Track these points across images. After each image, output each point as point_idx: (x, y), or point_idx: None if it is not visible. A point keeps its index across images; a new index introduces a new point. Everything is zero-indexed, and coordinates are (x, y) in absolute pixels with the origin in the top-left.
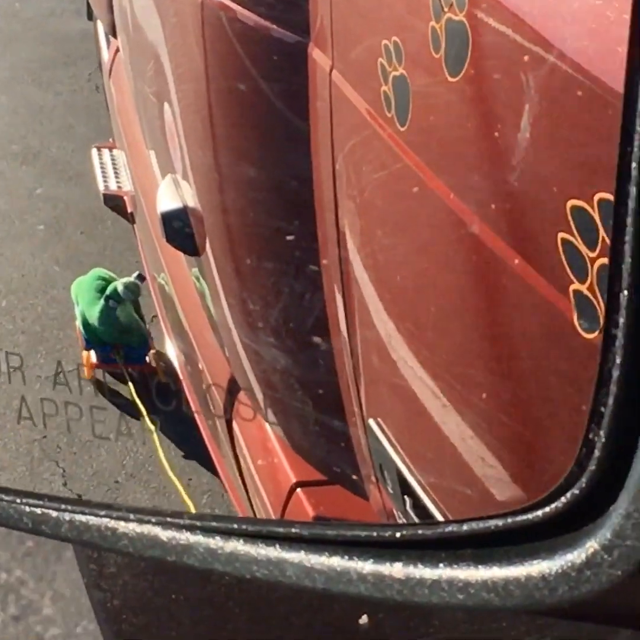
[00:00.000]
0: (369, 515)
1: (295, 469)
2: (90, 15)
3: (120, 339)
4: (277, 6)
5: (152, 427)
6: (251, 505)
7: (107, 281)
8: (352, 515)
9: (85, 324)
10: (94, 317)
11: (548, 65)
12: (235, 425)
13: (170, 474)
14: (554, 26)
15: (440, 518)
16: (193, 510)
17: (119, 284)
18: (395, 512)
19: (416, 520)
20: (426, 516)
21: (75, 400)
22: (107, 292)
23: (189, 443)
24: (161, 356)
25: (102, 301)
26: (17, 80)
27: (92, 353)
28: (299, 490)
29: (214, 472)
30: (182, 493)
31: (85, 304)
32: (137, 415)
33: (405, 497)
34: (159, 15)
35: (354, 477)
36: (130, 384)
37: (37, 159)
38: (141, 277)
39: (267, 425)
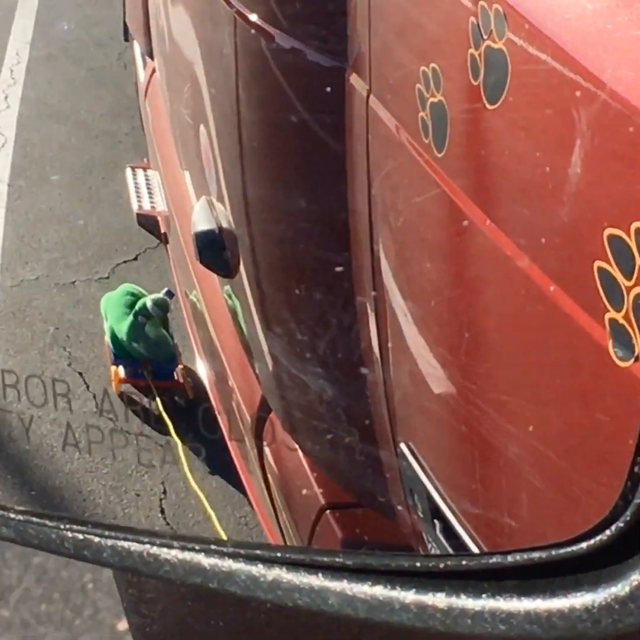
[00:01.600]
0: (397, 538)
1: (324, 492)
2: (126, 36)
3: (149, 355)
4: (315, 31)
5: (178, 441)
6: (280, 526)
7: (137, 297)
8: (380, 539)
9: (114, 338)
10: (122, 332)
11: (595, 99)
12: (266, 447)
13: (195, 487)
14: (595, 56)
15: (471, 544)
16: (217, 526)
17: (148, 300)
18: (424, 535)
19: (446, 544)
20: (456, 542)
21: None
22: (136, 307)
23: (217, 461)
24: (189, 372)
25: (131, 317)
26: (54, 56)
27: (121, 368)
28: (327, 512)
29: (243, 492)
30: (207, 507)
31: (114, 319)
32: (163, 431)
33: (435, 521)
34: (196, 37)
35: (383, 500)
36: (157, 399)
37: (68, 120)
38: (170, 294)
39: (297, 448)
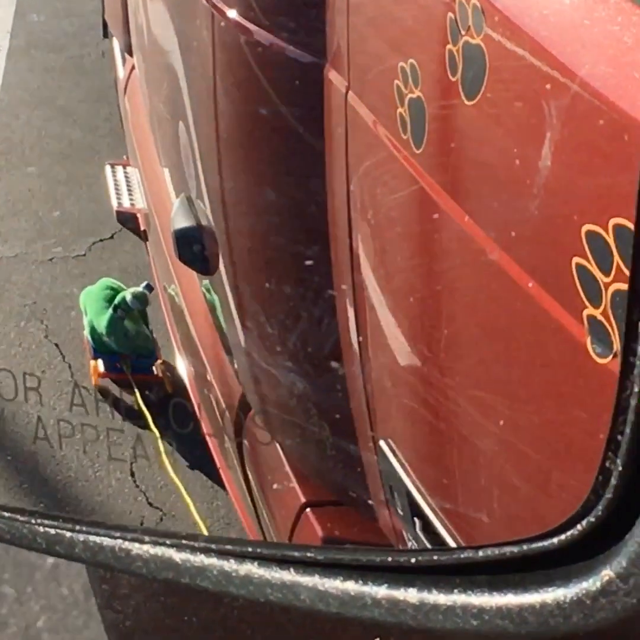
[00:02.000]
0: (378, 536)
1: (305, 490)
2: (106, 33)
3: (128, 349)
4: (294, 27)
5: (157, 434)
6: (260, 525)
7: (116, 291)
8: (361, 536)
9: (93, 333)
10: (101, 326)
11: (571, 93)
12: (244, 445)
13: (174, 476)
14: (573, 51)
15: (450, 541)
16: (193, 509)
17: (128, 294)
18: (404, 534)
19: (426, 542)
20: (436, 539)
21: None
22: (116, 301)
23: (196, 456)
24: (168, 366)
25: (110, 310)
26: (34, 46)
27: (100, 362)
28: (308, 510)
29: (222, 487)
30: (184, 494)
31: (93, 313)
32: (142, 425)
33: (415, 519)
34: (175, 34)
35: (364, 498)
36: (136, 392)
37: (47, 106)
38: (149, 287)
39: (276, 445)
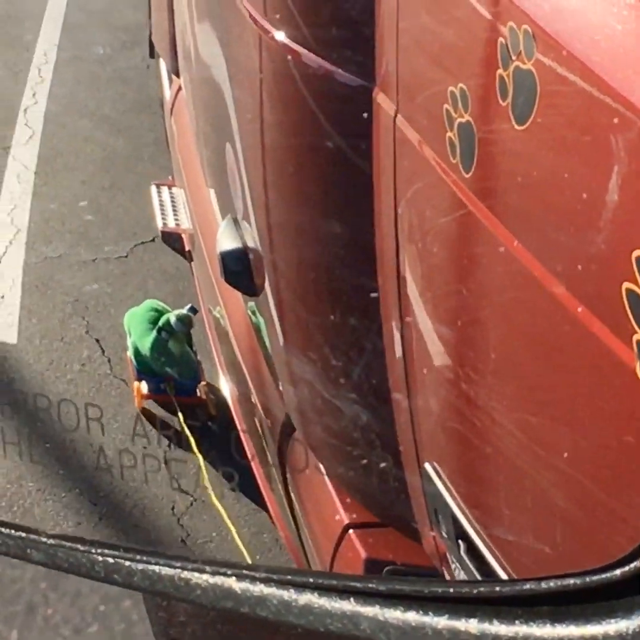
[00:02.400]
0: (421, 558)
1: (347, 511)
2: (152, 53)
3: (172, 371)
4: (343, 50)
5: (200, 457)
6: (302, 546)
7: (160, 313)
8: (404, 558)
9: (137, 354)
10: (146, 348)
11: (637, 127)
12: (288, 466)
13: (217, 503)
14: (624, 77)
15: (495, 564)
16: (239, 542)
17: (172, 316)
18: (448, 556)
19: (471, 565)
20: (480, 562)
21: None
22: (160, 323)
23: (240, 479)
24: (211, 389)
25: (154, 332)
26: (81, 59)
27: (143, 384)
28: (350, 531)
29: (265, 509)
30: (226, 520)
31: (137, 335)
32: (185, 446)
33: (460, 541)
34: (223, 55)
35: (408, 520)
36: (180, 415)
37: (93, 115)
38: (194, 310)
39: (320, 467)
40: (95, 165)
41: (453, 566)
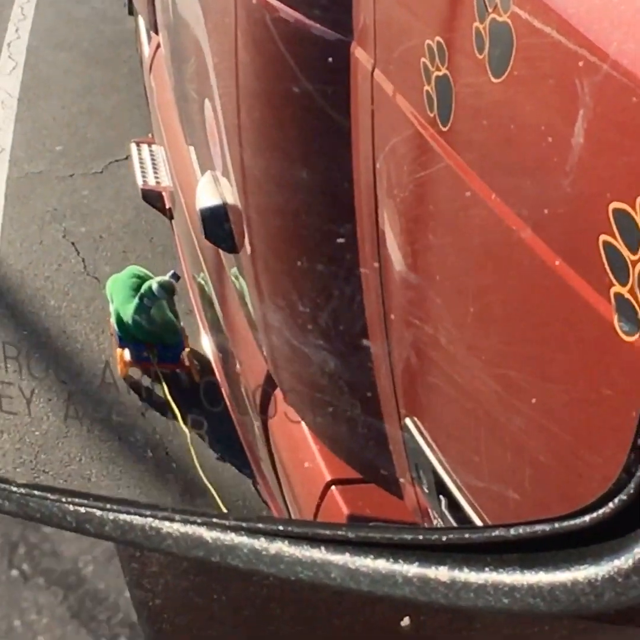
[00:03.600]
0: (403, 513)
1: (330, 467)
2: (131, 11)
3: (155, 338)
4: (320, 4)
5: (185, 427)
6: (285, 503)
7: (142, 279)
8: (386, 514)
9: (120, 322)
10: (128, 315)
11: (603, 71)
12: (271, 423)
13: (201, 474)
14: (600, 28)
15: (477, 519)
16: (221, 505)
17: (154, 283)
18: (430, 511)
19: (452, 520)
20: (462, 516)
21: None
22: (142, 290)
23: (225, 441)
24: (196, 355)
25: (136, 299)
26: None
27: (126, 351)
28: (333, 488)
29: (248, 468)
30: (212, 491)
31: (119, 302)
32: (168, 414)
33: (441, 497)
34: (202, 11)
35: (389, 475)
36: (163, 382)
37: (72, 49)
38: (176, 276)
39: (302, 424)
40: (74, 93)
41: (435, 521)
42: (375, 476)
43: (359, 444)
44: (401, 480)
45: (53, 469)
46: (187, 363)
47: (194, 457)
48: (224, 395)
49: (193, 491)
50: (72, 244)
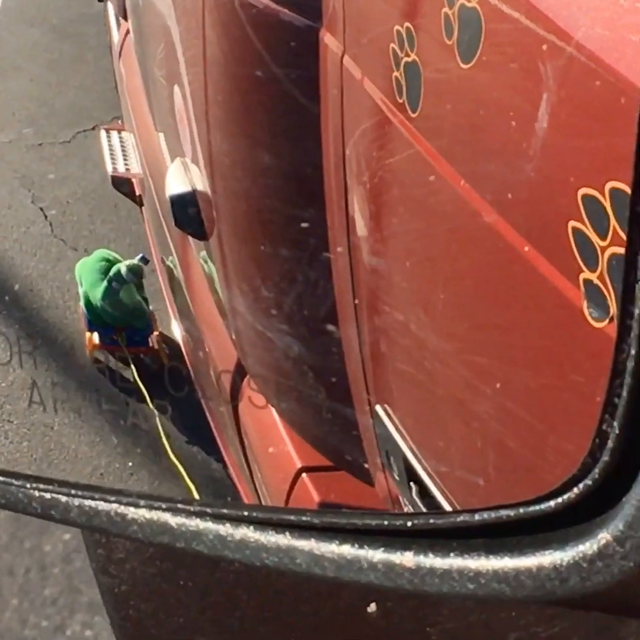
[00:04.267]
0: (374, 501)
1: (301, 454)
2: None
3: (123, 321)
4: None
5: (155, 411)
6: (256, 490)
7: (111, 262)
8: (357, 502)
9: (88, 305)
10: (97, 298)
11: (566, 54)
12: (241, 409)
13: (173, 457)
14: (569, 14)
15: (447, 506)
16: (195, 494)
17: (123, 266)
18: (401, 498)
19: (422, 507)
20: (433, 504)
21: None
22: (111, 273)
23: (194, 427)
24: (164, 338)
25: (105, 283)
26: None
27: (95, 334)
28: (304, 475)
29: (218, 455)
30: (185, 476)
31: (88, 285)
32: (139, 398)
33: (412, 484)
34: None
35: (360, 463)
36: (132, 366)
37: (42, 25)
38: (145, 260)
39: (272, 410)
40: (43, 67)
41: (406, 509)
42: (345, 463)
43: (329, 431)
44: (372, 467)
45: (17, 419)
46: (156, 346)
47: (165, 441)
48: (193, 379)
49: (161, 475)
50: (40, 208)
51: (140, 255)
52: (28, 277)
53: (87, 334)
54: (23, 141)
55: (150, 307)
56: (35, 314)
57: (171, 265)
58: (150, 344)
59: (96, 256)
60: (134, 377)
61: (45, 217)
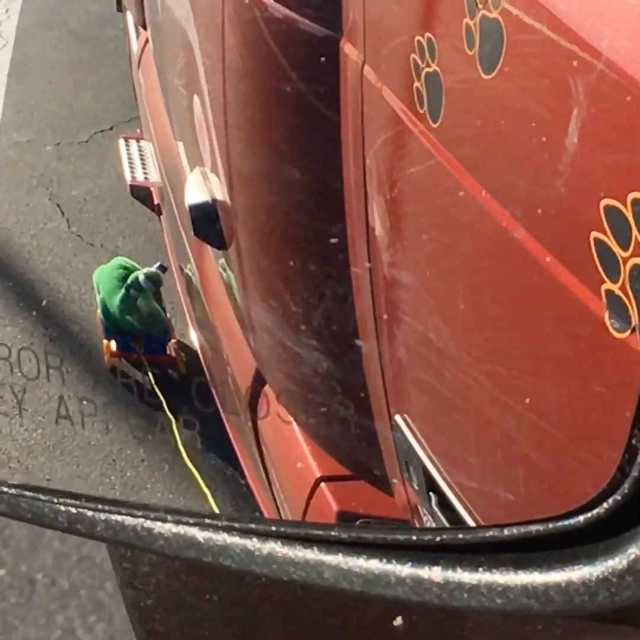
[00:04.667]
0: (393, 510)
1: (319, 464)
2: (120, 7)
3: (141, 329)
4: (310, 1)
5: (171, 416)
6: (275, 500)
7: (129, 270)
8: (376, 511)
9: (106, 312)
10: (114, 306)
11: (597, 70)
12: (260, 421)
13: (189, 465)
14: (592, 25)
15: (466, 516)
16: (211, 502)
17: (140, 274)
18: (420, 508)
19: (442, 517)
20: (452, 514)
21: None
22: (128, 281)
23: (211, 435)
24: (182, 346)
25: (123, 290)
26: None
27: (113, 342)
28: (323, 484)
29: (236, 464)
30: (201, 483)
31: (106, 293)
32: (155, 405)
33: (431, 494)
34: (191, 6)
35: (379, 472)
36: (149, 373)
37: (60, 28)
38: (163, 268)
39: (291, 420)
40: (62, 69)
41: (425, 519)
42: (365, 473)
43: (349, 442)
44: (391, 477)
45: (32, 407)
46: (173, 354)
47: (180, 445)
48: (212, 389)
49: (179, 482)
50: (57, 205)
51: (159, 263)
52: (45, 271)
53: (105, 341)
54: (41, 141)
55: (168, 315)
56: (51, 306)
57: (189, 274)
58: (168, 352)
59: (114, 264)
60: (151, 385)
61: (62, 213)
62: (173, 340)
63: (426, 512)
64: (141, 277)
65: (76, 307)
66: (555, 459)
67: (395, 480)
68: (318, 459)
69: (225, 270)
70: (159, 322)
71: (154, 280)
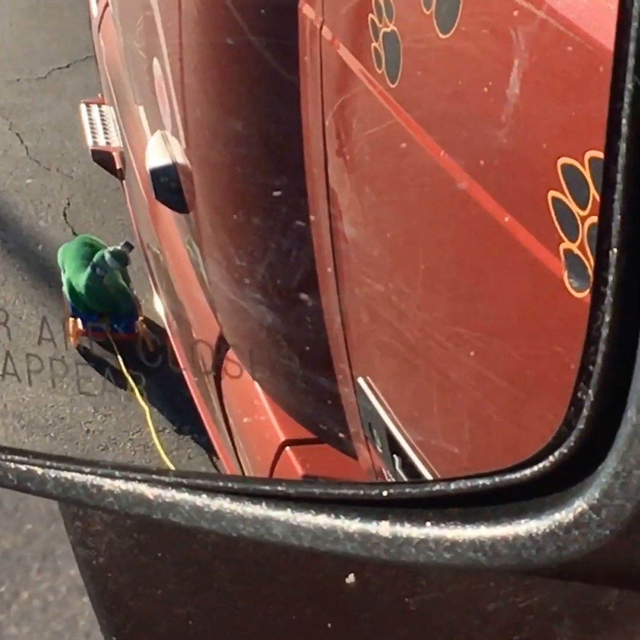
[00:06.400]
0: (358, 474)
1: (284, 427)
2: None
3: (107, 307)
4: None
5: (139, 395)
6: (240, 464)
7: (94, 248)
8: (341, 474)
9: (72, 291)
10: (80, 284)
11: (538, 20)
12: (223, 383)
13: (155, 438)
14: None
15: (429, 477)
16: (168, 462)
17: (106, 252)
18: (384, 471)
19: (405, 479)
20: (415, 475)
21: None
22: (94, 259)
23: (177, 402)
24: (149, 324)
25: (88, 269)
26: None
27: (79, 320)
28: (287, 448)
29: (203, 432)
30: (164, 456)
31: (71, 271)
32: (123, 384)
33: (394, 456)
34: None
35: (343, 435)
36: (117, 352)
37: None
38: (129, 245)
39: (255, 383)
40: (23, 13)
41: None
42: (329, 436)
43: (311, 404)
44: (355, 440)
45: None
46: (140, 333)
47: (149, 421)
48: (179, 362)
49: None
50: (17, 134)
51: (125, 241)
52: (4, 192)
53: (71, 319)
54: (2, 76)
55: (134, 292)
56: (9, 223)
57: (156, 250)
58: (136, 330)
59: (79, 241)
60: (119, 363)
61: (22, 141)
62: (140, 318)
63: (390, 475)
64: (107, 256)
65: (33, 222)
66: (514, 418)
67: (359, 444)
68: (283, 423)
69: (191, 245)
70: (125, 300)
71: (120, 259)
